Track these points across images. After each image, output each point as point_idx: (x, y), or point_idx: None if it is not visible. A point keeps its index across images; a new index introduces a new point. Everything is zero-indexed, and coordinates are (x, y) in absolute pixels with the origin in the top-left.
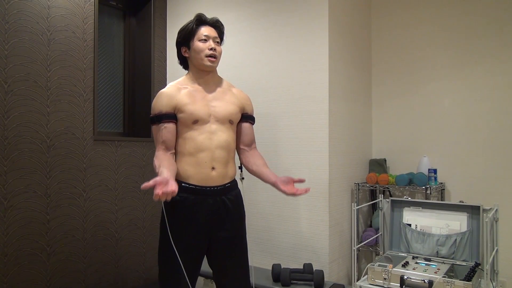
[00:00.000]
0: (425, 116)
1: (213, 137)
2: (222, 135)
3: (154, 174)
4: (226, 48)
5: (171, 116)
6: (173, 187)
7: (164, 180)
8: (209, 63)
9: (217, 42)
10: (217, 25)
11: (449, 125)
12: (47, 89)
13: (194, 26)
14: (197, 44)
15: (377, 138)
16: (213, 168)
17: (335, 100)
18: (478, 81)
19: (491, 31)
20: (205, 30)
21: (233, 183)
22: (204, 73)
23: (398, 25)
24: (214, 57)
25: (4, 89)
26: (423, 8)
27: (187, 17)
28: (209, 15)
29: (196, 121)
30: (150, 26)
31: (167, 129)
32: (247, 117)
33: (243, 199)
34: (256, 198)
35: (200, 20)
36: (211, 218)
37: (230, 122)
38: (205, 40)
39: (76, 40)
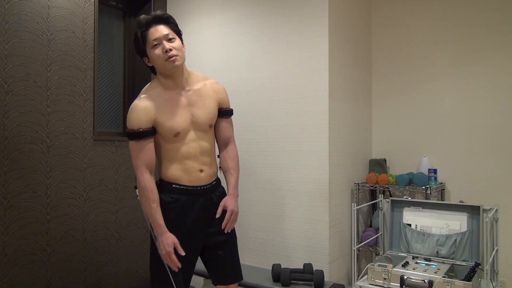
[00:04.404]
0: (425, 116)
1: (195, 145)
2: (203, 143)
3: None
4: (226, 49)
5: (152, 133)
6: (172, 248)
7: (168, 248)
8: (170, 66)
9: (171, 39)
10: (164, 19)
11: (449, 125)
12: (47, 89)
13: (140, 33)
14: (153, 51)
15: (377, 138)
16: (201, 170)
17: (335, 100)
18: (478, 81)
19: (492, 30)
20: (153, 33)
21: (218, 180)
22: (173, 76)
23: (398, 24)
24: (174, 56)
25: (4, 89)
26: (423, 7)
27: (187, 17)
28: (209, 15)
29: (177, 134)
30: None
31: (149, 147)
32: (223, 113)
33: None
34: (256, 199)
35: (144, 24)
36: (202, 215)
37: (210, 126)
38: (157, 44)
39: (76, 40)
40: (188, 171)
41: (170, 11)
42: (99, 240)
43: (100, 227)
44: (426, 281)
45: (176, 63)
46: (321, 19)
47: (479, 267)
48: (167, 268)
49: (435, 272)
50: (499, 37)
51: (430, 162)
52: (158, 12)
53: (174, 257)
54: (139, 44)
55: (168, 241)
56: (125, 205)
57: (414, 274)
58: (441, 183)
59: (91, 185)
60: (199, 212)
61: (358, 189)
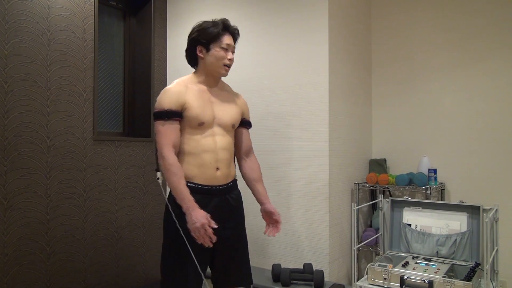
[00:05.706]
0: (425, 116)
1: (216, 139)
2: (224, 139)
3: (153, 173)
4: None
5: (180, 115)
6: (210, 225)
7: (203, 220)
8: (224, 72)
9: (233, 52)
10: (236, 34)
11: (449, 125)
12: (47, 89)
13: (219, 31)
14: (219, 51)
15: (377, 138)
16: (217, 168)
17: (335, 100)
18: (478, 81)
19: (491, 31)
20: (227, 39)
21: (235, 182)
22: (213, 78)
23: (398, 25)
24: (229, 67)
25: (4, 89)
26: (423, 8)
27: (187, 17)
28: (209, 15)
29: (201, 124)
30: (150, 26)
31: (176, 128)
32: (245, 123)
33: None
34: None
35: (225, 27)
36: (216, 216)
37: (232, 126)
38: (227, 49)
39: (76, 40)
40: (204, 167)
41: (170, 11)
42: (99, 240)
43: (100, 227)
44: (426, 281)
45: (227, 73)
46: (321, 19)
47: (479, 267)
48: (192, 254)
49: (435, 272)
50: (498, 38)
51: (430, 162)
52: (235, 27)
53: (209, 228)
54: (209, 37)
55: (202, 213)
56: (125, 205)
57: (414, 274)
58: (441, 183)
59: (91, 185)
60: (213, 212)
61: (358, 189)
